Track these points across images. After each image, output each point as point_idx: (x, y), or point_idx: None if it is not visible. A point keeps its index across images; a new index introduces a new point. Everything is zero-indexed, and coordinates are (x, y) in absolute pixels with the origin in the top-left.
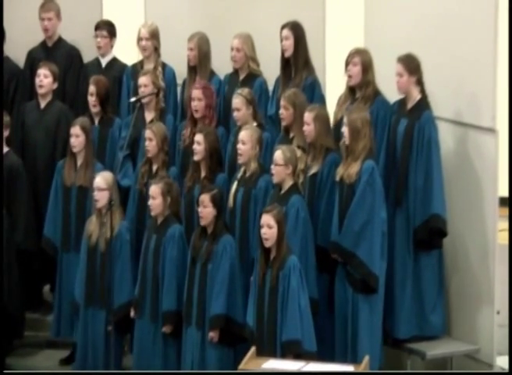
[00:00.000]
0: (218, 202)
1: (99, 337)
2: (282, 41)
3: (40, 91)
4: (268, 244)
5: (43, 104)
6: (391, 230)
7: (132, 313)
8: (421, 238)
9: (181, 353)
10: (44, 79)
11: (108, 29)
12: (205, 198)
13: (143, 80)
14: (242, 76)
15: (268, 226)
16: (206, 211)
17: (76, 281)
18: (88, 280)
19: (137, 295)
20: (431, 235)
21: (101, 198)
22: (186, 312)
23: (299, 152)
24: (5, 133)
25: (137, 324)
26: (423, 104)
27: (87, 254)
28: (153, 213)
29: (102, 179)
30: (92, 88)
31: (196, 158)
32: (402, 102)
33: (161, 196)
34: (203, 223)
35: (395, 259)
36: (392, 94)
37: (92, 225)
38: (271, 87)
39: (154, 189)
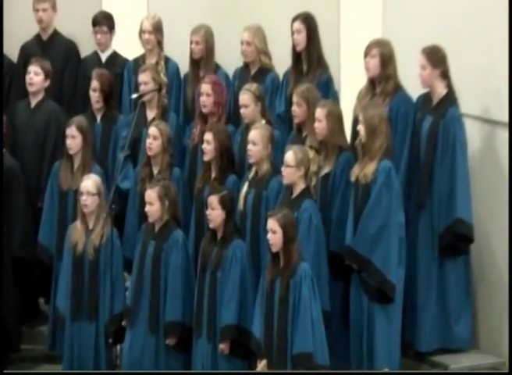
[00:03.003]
0: (227, 204)
1: (88, 351)
2: (293, 34)
3: (31, 89)
4: (273, 249)
5: (33, 103)
6: (414, 234)
7: (124, 323)
8: (446, 244)
9: (186, 365)
10: (35, 76)
11: (107, 23)
12: (213, 200)
13: (142, 77)
14: (253, 71)
15: (272, 231)
16: (214, 213)
17: (58, 293)
18: (75, 292)
19: (131, 304)
20: (456, 241)
21: (90, 203)
22: (196, 323)
23: (311, 153)
24: None
25: (129, 335)
26: (449, 99)
27: (73, 263)
28: (151, 219)
29: (92, 183)
30: (95, 83)
31: (205, 158)
32: (427, 97)
33: (159, 201)
34: (211, 225)
35: (418, 266)
36: (411, 90)
37: (77, 232)
38: None
39: (151, 194)
